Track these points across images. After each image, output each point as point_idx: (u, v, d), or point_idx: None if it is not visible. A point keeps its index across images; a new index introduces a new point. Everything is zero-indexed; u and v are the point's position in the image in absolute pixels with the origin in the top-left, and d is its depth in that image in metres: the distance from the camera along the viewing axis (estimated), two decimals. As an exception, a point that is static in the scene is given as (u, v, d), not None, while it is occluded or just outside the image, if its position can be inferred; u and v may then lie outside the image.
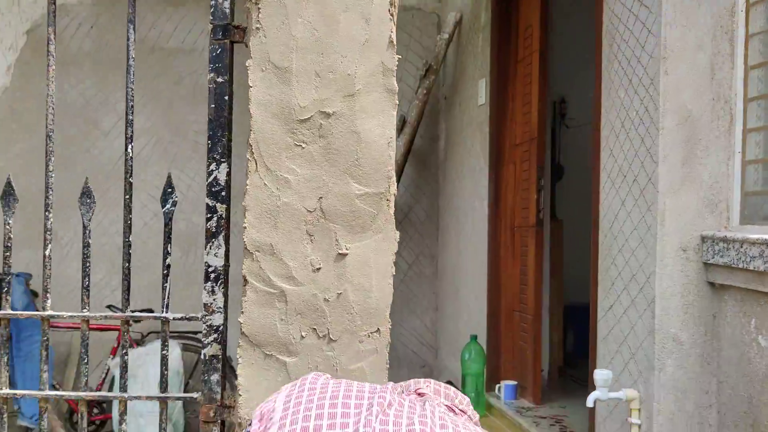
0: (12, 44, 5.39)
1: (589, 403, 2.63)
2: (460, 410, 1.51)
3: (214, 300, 1.92)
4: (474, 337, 4.10)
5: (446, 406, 1.48)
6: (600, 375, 2.61)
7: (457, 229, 5.06)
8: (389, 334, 1.87)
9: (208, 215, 1.92)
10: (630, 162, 2.72)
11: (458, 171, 5.08)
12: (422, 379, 1.59)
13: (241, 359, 1.83)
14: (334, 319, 1.84)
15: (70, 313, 1.99)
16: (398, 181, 5.26)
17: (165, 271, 1.98)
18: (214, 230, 1.92)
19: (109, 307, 4.80)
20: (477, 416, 1.57)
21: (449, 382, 4.67)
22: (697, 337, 2.55)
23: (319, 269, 1.84)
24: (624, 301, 2.74)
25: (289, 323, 1.83)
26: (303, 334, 1.83)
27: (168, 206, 1.98)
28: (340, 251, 1.85)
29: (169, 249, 1.98)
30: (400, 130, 5.12)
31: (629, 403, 2.61)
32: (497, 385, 4.14)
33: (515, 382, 4.09)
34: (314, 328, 1.84)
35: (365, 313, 1.85)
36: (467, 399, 1.58)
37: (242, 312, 1.84)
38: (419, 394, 1.49)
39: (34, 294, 5.23)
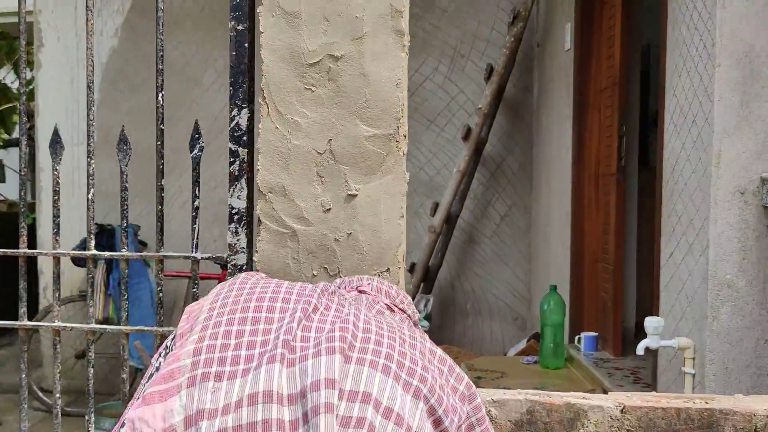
0: (119, 7, 5.67)
1: (639, 351, 2.57)
2: (400, 309, 1.51)
3: (237, 240, 2.00)
4: (553, 288, 4.04)
5: (386, 304, 1.48)
6: (650, 323, 2.53)
7: (548, 179, 4.97)
8: (400, 274, 1.89)
9: (231, 159, 2.00)
10: (690, 102, 2.59)
11: (548, 119, 4.97)
12: (365, 276, 1.59)
13: (256, 296, 1.91)
14: (344, 259, 1.88)
15: (108, 254, 2.12)
16: (489, 131, 5.21)
17: (194, 213, 2.08)
18: (236, 174, 2.00)
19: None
20: (417, 315, 1.56)
21: (536, 334, 4.65)
22: (755, 284, 2.43)
23: (329, 210, 1.89)
24: (682, 247, 2.64)
25: (301, 262, 1.89)
26: (314, 272, 1.89)
27: (195, 152, 2.07)
28: (350, 192, 1.88)
29: (197, 192, 2.08)
30: (487, 79, 5.05)
31: (683, 352, 2.52)
32: (577, 337, 4.08)
33: (596, 334, 4.02)
34: (325, 267, 1.89)
35: (375, 253, 1.88)
36: (409, 298, 1.57)
37: (257, 251, 1.92)
38: (360, 291, 1.50)
39: (143, 244, 5.56)
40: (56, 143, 2.15)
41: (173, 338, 1.26)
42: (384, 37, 1.86)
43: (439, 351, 1.20)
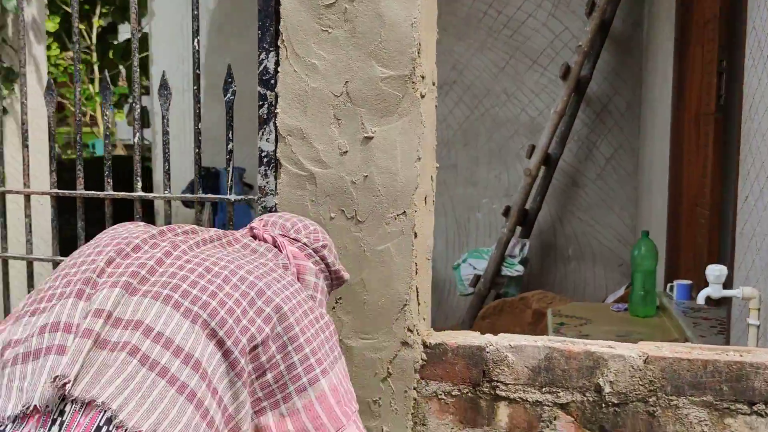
0: (226, -46, 5.80)
1: (700, 300, 2.43)
2: (293, 239, 1.49)
3: (267, 183, 2.04)
4: (645, 233, 3.87)
5: (272, 237, 1.46)
6: (712, 271, 2.39)
7: (653, 119, 4.73)
8: (417, 217, 1.87)
9: (260, 103, 2.03)
10: (766, 33, 2.38)
11: (654, 55, 4.71)
12: (267, 215, 1.58)
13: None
14: (360, 201, 1.89)
15: (152, 195, 2.22)
16: (592, 69, 5.00)
17: (227, 156, 2.14)
18: (265, 117, 2.03)
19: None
20: (319, 243, 1.51)
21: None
22: (828, 233, 2.24)
23: (346, 152, 1.89)
24: (755, 191, 2.46)
25: (318, 204, 1.91)
26: (332, 215, 1.91)
27: (228, 95, 2.12)
28: (366, 135, 1.87)
29: (230, 136, 2.13)
30: (588, 14, 4.83)
31: (748, 302, 2.37)
32: (669, 284, 3.91)
33: (689, 282, 3.83)
34: (342, 210, 1.90)
35: (391, 196, 1.87)
36: (311, 228, 1.53)
37: (277, 193, 1.95)
38: (251, 228, 1.50)
39: (249, 186, 5.76)
40: (106, 89, 2.25)
41: None
42: (399, -25, 1.82)
43: (251, 277, 1.22)
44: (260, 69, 2.02)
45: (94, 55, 11.97)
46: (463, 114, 5.45)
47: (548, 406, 1.85)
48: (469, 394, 1.89)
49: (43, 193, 2.32)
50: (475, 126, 5.44)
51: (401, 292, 1.88)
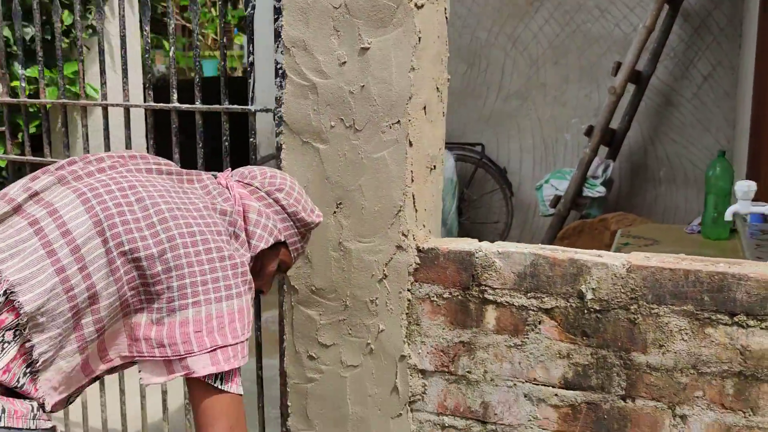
0: None
1: (728, 216, 2.38)
2: (246, 183, 1.64)
3: (282, 93, 2.15)
4: (721, 153, 3.73)
5: (225, 181, 1.62)
6: (740, 186, 2.33)
7: (751, 34, 4.46)
8: (410, 126, 1.93)
9: (275, 16, 2.12)
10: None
11: (754, -34, 4.42)
12: (241, 168, 1.70)
13: (284, 145, 2.07)
14: (358, 111, 1.97)
15: (161, 105, 2.37)
16: (689, -18, 4.75)
17: (249, 69, 2.25)
18: (279, 30, 2.12)
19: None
20: (277, 186, 1.64)
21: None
22: None
23: (344, 63, 1.96)
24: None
25: (320, 113, 2.01)
26: (332, 123, 2.00)
27: (248, 10, 2.22)
28: (363, 46, 1.94)
29: (251, 49, 2.24)
30: None
31: (779, 219, 2.30)
32: (744, 206, 3.77)
33: (765, 204, 3.67)
34: (342, 119, 1.99)
35: (386, 105, 1.94)
36: (269, 174, 1.66)
37: (283, 103, 2.06)
38: (217, 176, 1.65)
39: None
40: (145, 5, 2.40)
41: None
42: None
43: (164, 206, 1.41)
44: (275, -16, 2.10)
45: (216, -21, 12.30)
46: (553, 31, 5.33)
47: (533, 310, 1.90)
48: (459, 297, 1.97)
49: (95, 104, 2.53)
50: (566, 43, 5.31)
51: (396, 198, 1.96)
